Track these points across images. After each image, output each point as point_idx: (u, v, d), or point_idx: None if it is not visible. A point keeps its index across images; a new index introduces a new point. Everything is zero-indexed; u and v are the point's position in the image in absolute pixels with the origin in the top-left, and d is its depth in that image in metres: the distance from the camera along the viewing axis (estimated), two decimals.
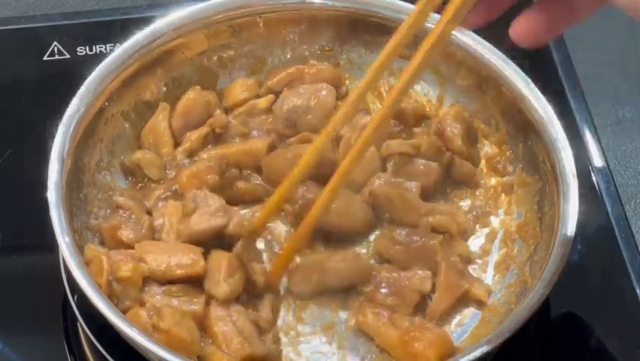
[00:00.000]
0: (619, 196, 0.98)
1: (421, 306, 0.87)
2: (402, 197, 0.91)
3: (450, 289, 0.87)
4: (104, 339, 0.85)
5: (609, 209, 0.97)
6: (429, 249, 0.88)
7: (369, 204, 0.91)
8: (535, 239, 0.89)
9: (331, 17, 0.99)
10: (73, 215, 0.85)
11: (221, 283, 0.83)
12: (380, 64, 0.82)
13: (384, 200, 0.91)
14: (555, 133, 0.89)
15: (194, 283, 0.85)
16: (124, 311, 0.80)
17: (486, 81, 0.95)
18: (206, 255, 0.85)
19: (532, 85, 0.92)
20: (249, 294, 0.86)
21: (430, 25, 0.80)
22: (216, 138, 0.96)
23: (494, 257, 0.91)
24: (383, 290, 0.87)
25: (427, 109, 0.99)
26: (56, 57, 1.08)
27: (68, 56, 1.08)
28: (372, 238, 0.92)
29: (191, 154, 0.94)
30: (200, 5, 0.97)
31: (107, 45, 1.08)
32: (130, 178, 0.94)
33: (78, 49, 1.08)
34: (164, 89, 0.97)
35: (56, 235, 0.81)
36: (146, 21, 0.96)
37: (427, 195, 0.92)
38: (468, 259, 0.91)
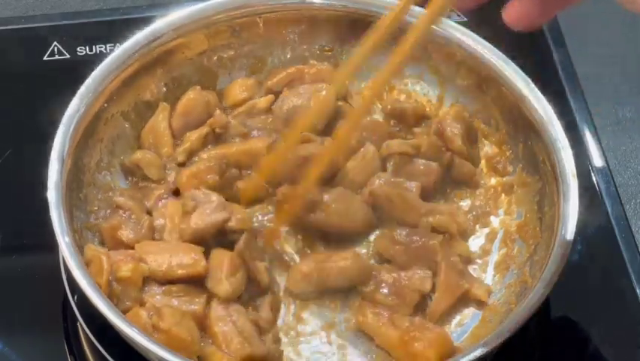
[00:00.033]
0: (619, 196, 0.98)
1: (421, 306, 0.87)
2: (402, 197, 0.91)
3: (450, 289, 0.87)
4: (104, 339, 0.85)
5: (609, 209, 0.97)
6: (429, 249, 0.88)
7: (369, 204, 0.91)
8: (535, 239, 0.89)
9: (331, 17, 0.99)
10: (73, 215, 0.85)
11: (224, 281, 0.83)
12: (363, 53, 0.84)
13: (384, 200, 0.91)
14: (555, 133, 0.89)
15: (195, 283, 0.85)
16: (124, 311, 0.80)
17: (486, 81, 0.95)
18: (206, 254, 0.85)
19: (532, 85, 0.92)
20: (251, 293, 0.86)
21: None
22: (216, 138, 0.95)
23: (494, 257, 0.91)
24: (383, 290, 0.87)
25: (427, 109, 0.99)
26: (56, 57, 1.08)
27: (68, 56, 1.08)
28: (372, 238, 0.92)
29: (191, 154, 0.94)
30: (200, 5, 0.97)
31: (107, 45, 1.08)
32: (130, 178, 0.94)
33: (78, 49, 1.08)
34: (164, 89, 0.97)
35: (56, 235, 0.81)
36: (146, 21, 0.96)
37: (427, 195, 0.92)
38: (468, 259, 0.91)
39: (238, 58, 1.00)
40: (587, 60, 1.10)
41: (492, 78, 0.94)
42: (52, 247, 0.82)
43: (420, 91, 1.00)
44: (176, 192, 0.91)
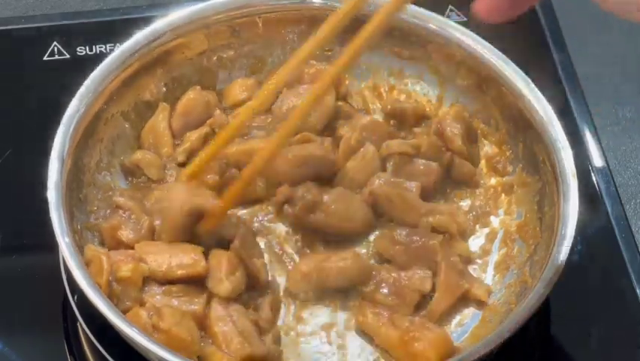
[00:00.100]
0: (619, 196, 0.98)
1: (421, 306, 0.87)
2: (402, 197, 0.91)
3: (450, 289, 0.87)
4: (104, 339, 0.85)
5: (609, 209, 0.97)
6: (429, 249, 0.88)
7: (369, 204, 0.91)
8: (535, 239, 0.89)
9: None
10: (73, 215, 0.85)
11: (224, 280, 0.83)
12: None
13: (384, 200, 0.91)
14: (555, 133, 0.89)
15: (195, 283, 0.85)
16: (124, 311, 0.80)
17: (486, 81, 0.95)
18: (206, 255, 0.85)
19: (532, 85, 0.92)
20: (251, 293, 0.86)
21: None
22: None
23: (494, 257, 0.91)
24: (383, 290, 0.87)
25: (427, 109, 0.99)
26: (56, 57, 1.08)
27: (68, 56, 1.08)
28: (372, 238, 0.92)
29: (191, 154, 0.94)
30: (200, 5, 0.97)
31: (107, 45, 1.08)
32: (130, 178, 0.94)
33: (78, 49, 1.08)
34: (164, 89, 0.97)
35: (56, 235, 0.81)
36: (146, 21, 0.97)
37: (427, 195, 0.92)
38: (468, 259, 0.91)
39: (238, 58, 1.00)
40: (587, 60, 1.10)
41: (492, 78, 0.94)
42: (52, 247, 0.83)
43: (420, 91, 1.00)
44: None
